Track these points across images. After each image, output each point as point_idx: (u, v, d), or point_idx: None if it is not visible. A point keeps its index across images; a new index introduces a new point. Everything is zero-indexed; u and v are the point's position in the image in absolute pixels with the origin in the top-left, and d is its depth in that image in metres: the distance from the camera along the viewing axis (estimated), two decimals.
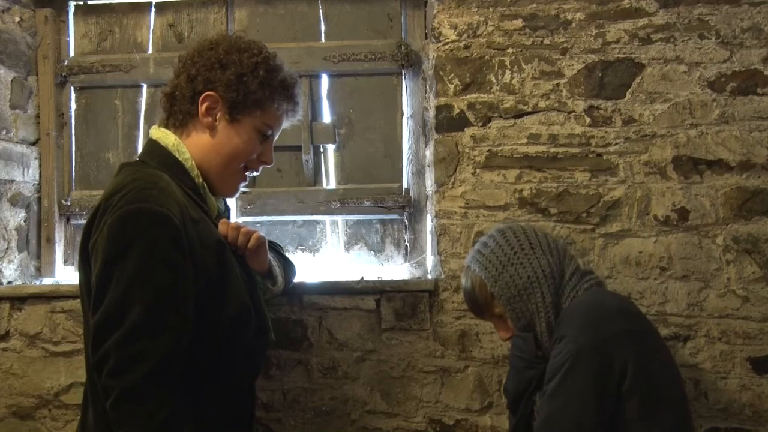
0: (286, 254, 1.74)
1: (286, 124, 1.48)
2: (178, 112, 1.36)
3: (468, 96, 1.86)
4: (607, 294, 1.44)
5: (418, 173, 2.04)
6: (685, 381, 1.79)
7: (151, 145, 1.37)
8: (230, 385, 1.34)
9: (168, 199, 1.20)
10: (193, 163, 1.34)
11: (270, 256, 1.53)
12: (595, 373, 1.26)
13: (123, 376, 1.11)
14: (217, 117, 1.35)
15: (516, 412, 1.49)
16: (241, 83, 1.34)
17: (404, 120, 2.06)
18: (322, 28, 2.09)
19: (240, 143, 1.37)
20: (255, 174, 1.48)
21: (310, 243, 2.08)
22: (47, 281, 2.06)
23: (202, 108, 1.34)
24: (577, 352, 1.27)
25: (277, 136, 1.48)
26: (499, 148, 1.85)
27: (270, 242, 1.64)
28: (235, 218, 1.70)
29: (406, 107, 2.06)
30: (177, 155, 1.33)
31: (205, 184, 1.36)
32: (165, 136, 1.35)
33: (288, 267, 1.65)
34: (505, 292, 1.40)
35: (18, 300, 1.89)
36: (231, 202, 1.67)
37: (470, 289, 1.47)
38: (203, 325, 1.23)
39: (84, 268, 1.26)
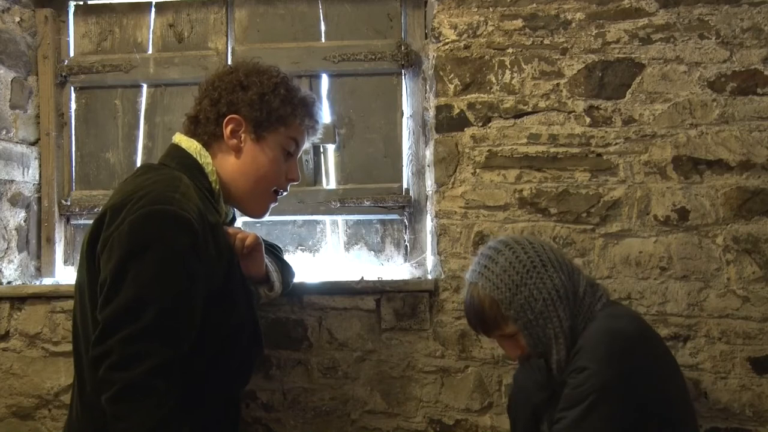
0: (285, 256, 1.74)
1: (307, 143, 1.51)
2: (202, 133, 1.39)
3: (468, 96, 1.86)
4: (623, 317, 1.36)
5: (418, 173, 2.04)
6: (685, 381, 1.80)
7: (173, 148, 1.39)
8: (219, 392, 1.35)
9: (189, 203, 1.22)
10: (213, 168, 1.36)
11: (267, 260, 1.53)
12: (618, 410, 1.24)
13: (126, 370, 1.11)
14: (243, 138, 1.38)
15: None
16: (264, 102, 1.37)
17: (404, 120, 2.06)
18: (322, 28, 2.09)
19: (266, 161, 1.39)
20: (285, 194, 1.50)
21: (310, 243, 2.08)
22: (47, 281, 2.06)
23: (227, 131, 1.37)
24: (601, 387, 1.23)
25: (299, 153, 1.50)
26: (499, 148, 1.85)
27: (268, 244, 1.64)
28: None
29: (406, 107, 2.06)
30: (198, 158, 1.36)
31: (220, 191, 1.38)
32: (189, 142, 1.38)
33: (285, 270, 1.64)
34: (522, 316, 1.33)
35: (18, 300, 1.89)
36: None
37: (478, 307, 1.37)
38: (205, 331, 1.24)
39: (88, 264, 1.25)
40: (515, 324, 1.34)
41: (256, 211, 1.47)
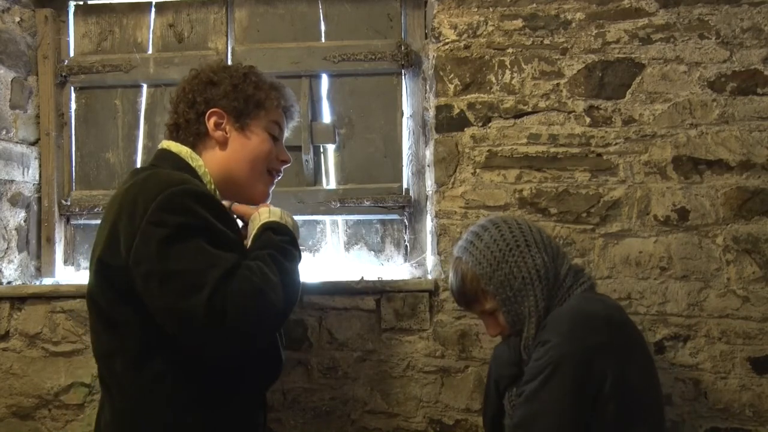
0: None
1: (287, 133, 1.53)
2: (186, 136, 1.39)
3: (468, 96, 1.86)
4: (596, 301, 1.37)
5: (418, 173, 2.04)
6: (684, 381, 1.80)
7: (162, 151, 1.39)
8: (248, 391, 1.34)
9: (201, 184, 1.25)
10: (206, 170, 1.37)
11: None
12: (574, 383, 1.25)
13: (223, 321, 1.08)
14: (227, 129, 1.39)
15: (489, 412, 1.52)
16: (238, 91, 1.40)
17: (404, 120, 2.06)
18: (322, 28, 2.09)
19: (255, 144, 1.41)
20: (279, 177, 1.51)
21: (310, 243, 2.08)
22: (47, 281, 2.06)
23: (210, 124, 1.38)
24: (559, 359, 1.25)
25: (285, 137, 1.51)
26: (499, 148, 1.85)
27: None
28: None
29: (406, 107, 2.06)
30: (190, 161, 1.36)
31: (216, 190, 1.38)
32: (178, 147, 1.38)
33: None
34: (500, 293, 1.36)
35: (18, 300, 1.90)
36: None
37: (460, 281, 1.41)
38: None
39: (100, 275, 1.22)
40: (494, 300, 1.38)
41: (256, 195, 1.46)
